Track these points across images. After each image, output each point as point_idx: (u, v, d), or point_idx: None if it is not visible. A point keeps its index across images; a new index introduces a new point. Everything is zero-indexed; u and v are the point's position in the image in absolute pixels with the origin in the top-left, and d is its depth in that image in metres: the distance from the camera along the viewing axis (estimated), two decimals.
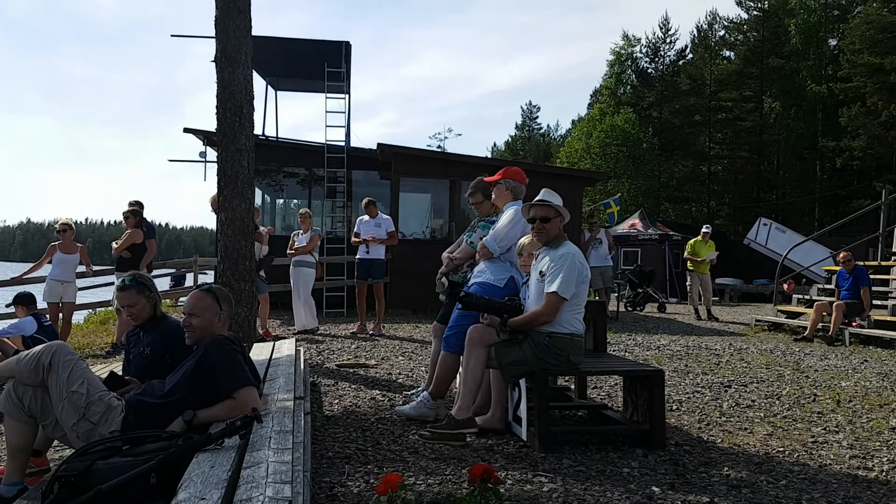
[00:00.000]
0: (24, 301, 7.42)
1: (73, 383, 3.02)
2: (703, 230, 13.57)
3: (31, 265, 9.70)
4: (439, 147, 49.11)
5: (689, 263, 13.47)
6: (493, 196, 4.88)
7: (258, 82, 13.32)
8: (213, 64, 6.23)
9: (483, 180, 5.02)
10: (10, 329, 7.04)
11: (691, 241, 13.67)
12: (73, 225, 9.01)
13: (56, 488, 2.50)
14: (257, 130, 10.26)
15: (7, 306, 7.96)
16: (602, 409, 4.70)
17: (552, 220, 4.07)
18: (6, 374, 3.18)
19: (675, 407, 5.22)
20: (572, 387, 5.30)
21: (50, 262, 8.76)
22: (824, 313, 9.86)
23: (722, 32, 43.03)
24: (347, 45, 14.93)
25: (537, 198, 4.13)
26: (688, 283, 13.97)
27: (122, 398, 3.14)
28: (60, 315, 8.73)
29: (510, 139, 66.81)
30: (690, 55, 43.89)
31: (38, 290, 8.29)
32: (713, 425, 4.73)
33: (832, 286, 11.02)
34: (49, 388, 3.05)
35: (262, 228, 9.19)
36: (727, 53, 42.43)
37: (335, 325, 10.31)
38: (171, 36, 15.04)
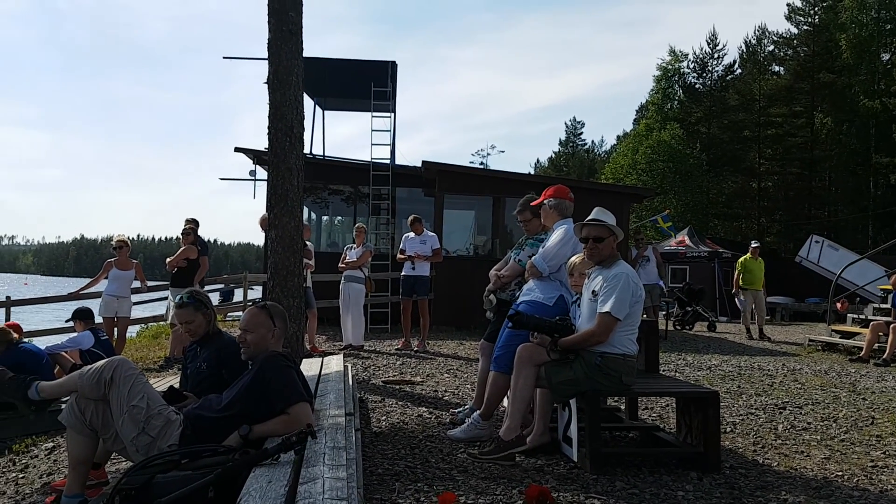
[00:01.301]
0: (83, 316, 7.64)
1: (133, 397, 3.11)
2: (752, 245, 13.30)
3: (83, 280, 10.00)
4: (482, 164, 49.09)
5: (741, 281, 13.21)
6: (542, 217, 4.87)
7: (307, 102, 13.57)
8: (265, 85, 6.37)
9: (530, 199, 5.01)
10: (68, 343, 7.25)
11: (741, 259, 13.42)
12: (128, 242, 9.27)
13: (117, 501, 2.56)
14: (305, 149, 10.44)
15: (66, 321, 8.20)
16: (654, 431, 4.61)
17: (605, 240, 4.03)
18: (69, 388, 3.28)
19: (728, 429, 5.10)
20: (622, 407, 5.22)
21: (106, 278, 9.01)
22: (881, 333, 9.54)
23: (771, 47, 42.32)
24: (393, 64, 15.13)
25: (590, 217, 4.11)
26: (739, 301, 13.66)
27: (180, 412, 3.21)
28: (115, 329, 8.97)
29: (554, 155, 66.52)
30: (739, 70, 43.23)
31: (93, 306, 8.54)
32: (768, 448, 4.61)
33: (888, 305, 10.66)
34: (110, 402, 3.14)
35: (309, 244, 9.32)
36: (777, 68, 41.69)
37: (380, 341, 10.36)
38: (224, 58, 15.44)
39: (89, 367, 3.25)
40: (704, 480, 3.77)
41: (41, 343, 7.47)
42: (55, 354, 6.84)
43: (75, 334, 7.58)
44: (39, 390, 3.29)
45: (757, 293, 13.07)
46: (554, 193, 4.74)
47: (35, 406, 3.30)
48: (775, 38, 41.62)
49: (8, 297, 10.05)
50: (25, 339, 6.15)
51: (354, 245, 9.58)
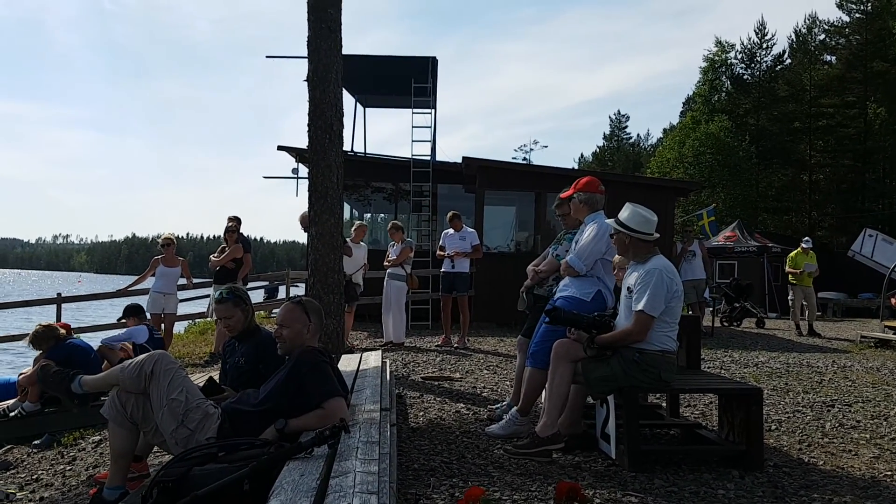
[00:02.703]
0: (134, 312, 7.85)
1: (172, 391, 3.17)
2: (803, 245, 12.93)
3: (134, 278, 10.25)
4: (524, 159, 48.79)
5: (790, 277, 12.89)
6: (571, 210, 4.80)
7: (347, 100, 13.66)
8: (306, 83, 6.43)
9: (560, 197, 4.96)
10: (123, 335, 7.46)
11: (791, 255, 13.08)
12: (174, 239, 9.48)
13: (155, 493, 2.61)
14: (346, 147, 10.51)
15: (119, 320, 8.42)
16: (695, 429, 4.52)
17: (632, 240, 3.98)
18: (111, 381, 3.36)
19: (773, 427, 4.97)
20: (663, 404, 5.13)
21: (153, 275, 9.23)
22: None
23: (822, 36, 41.16)
24: (434, 60, 15.11)
25: (618, 218, 4.03)
26: (790, 298, 13.31)
27: (218, 406, 3.26)
28: (162, 325, 9.18)
29: (598, 150, 65.77)
30: (789, 60, 42.12)
31: (141, 302, 8.75)
32: (814, 447, 4.48)
33: None
34: (150, 395, 3.21)
35: (363, 244, 9.42)
36: (828, 58, 40.48)
37: (420, 337, 10.39)
38: (267, 57, 15.64)
39: (130, 360, 3.33)
40: (746, 479, 3.68)
41: (91, 339, 7.68)
42: (104, 349, 7.04)
43: (129, 328, 7.79)
44: (82, 384, 3.38)
45: (807, 289, 12.74)
46: (584, 187, 4.65)
47: (79, 400, 3.37)
48: (826, 27, 40.50)
49: (59, 294, 10.36)
50: (75, 336, 6.33)
51: (392, 243, 9.62)
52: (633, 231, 3.94)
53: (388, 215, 16.61)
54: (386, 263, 9.57)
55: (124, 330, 7.80)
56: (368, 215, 17.79)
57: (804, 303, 12.84)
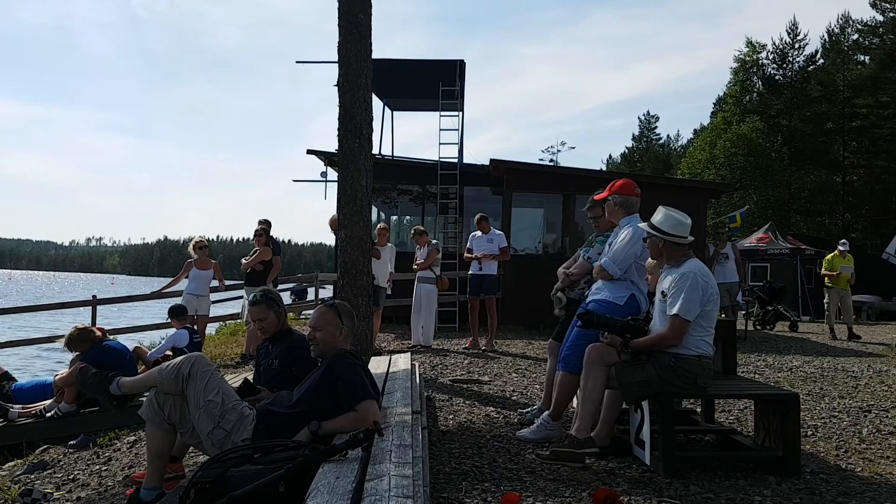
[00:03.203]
0: (178, 313, 8.01)
1: (209, 392, 3.20)
2: (840, 247, 12.67)
3: (166, 280, 10.39)
4: (552, 161, 48.57)
5: (826, 280, 12.65)
6: (606, 212, 4.76)
7: (375, 103, 13.74)
8: (336, 88, 6.47)
9: (594, 198, 4.90)
10: (166, 345, 7.62)
11: (828, 257, 12.83)
12: (206, 243, 9.61)
13: (193, 494, 2.64)
14: (374, 150, 10.57)
15: (167, 319, 8.55)
16: (731, 434, 4.45)
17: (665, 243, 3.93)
18: (149, 383, 3.41)
19: (809, 433, 4.88)
20: (698, 410, 5.07)
21: (187, 277, 9.35)
22: None
23: (855, 36, 40.35)
24: (462, 63, 15.13)
25: (651, 222, 3.99)
26: (825, 301, 13.05)
27: (253, 407, 3.29)
28: (195, 327, 9.29)
29: (626, 151, 65.15)
30: (821, 60, 41.36)
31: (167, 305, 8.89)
32: (852, 453, 4.39)
33: None
34: (187, 396, 3.24)
35: (390, 245, 9.47)
36: (862, 58, 39.70)
37: (447, 340, 10.39)
38: (297, 62, 15.77)
39: (168, 362, 3.38)
40: (783, 485, 3.61)
41: (126, 341, 7.81)
42: (139, 350, 7.18)
43: (172, 332, 7.93)
44: (120, 385, 3.43)
45: (843, 292, 12.48)
46: (620, 189, 4.59)
47: (117, 401, 3.43)
48: (860, 27, 39.71)
49: (94, 296, 10.54)
50: (110, 337, 6.44)
51: (419, 247, 9.65)
52: (667, 235, 3.90)
53: (414, 218, 16.63)
54: (415, 267, 9.59)
55: (167, 338, 7.96)
56: (395, 218, 17.84)
57: (840, 306, 12.60)
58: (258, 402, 3.38)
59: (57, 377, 6.44)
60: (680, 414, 4.82)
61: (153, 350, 7.37)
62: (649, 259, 4.30)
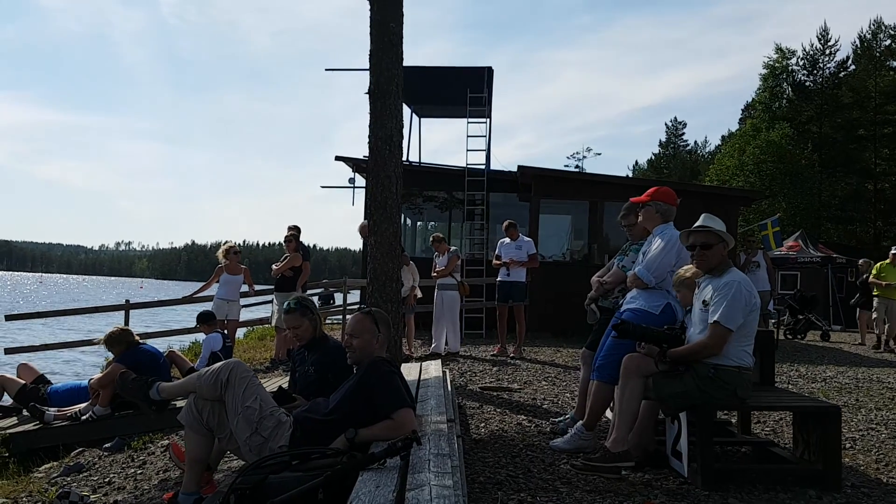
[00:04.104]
0: (206, 319, 8.11)
1: (247, 399, 3.22)
2: (893, 252, 12.29)
3: (194, 283, 10.51)
4: (577, 167, 48.34)
5: (875, 288, 12.30)
6: (640, 217, 4.69)
7: (404, 111, 13.82)
8: (366, 95, 6.50)
9: (635, 204, 4.84)
10: (204, 351, 7.76)
11: (878, 264, 12.42)
12: (238, 249, 9.70)
13: (233, 499, 2.65)
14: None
15: (196, 325, 8.67)
16: (768, 447, 4.38)
17: (714, 247, 3.84)
18: (188, 388, 3.44)
19: (848, 445, 4.78)
20: (733, 421, 4.99)
21: (217, 282, 9.44)
22: None
23: (888, 42, 39.68)
24: (490, 70, 15.14)
25: (698, 223, 3.93)
26: (873, 311, 12.57)
27: (290, 414, 3.30)
28: (225, 331, 9.38)
29: (653, 157, 64.56)
30: (852, 67, 40.73)
31: (198, 310, 8.97)
32: (892, 466, 4.30)
33: None
34: (226, 402, 3.27)
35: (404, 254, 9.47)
36: (894, 64, 39.03)
37: (475, 347, 10.36)
38: (326, 70, 15.89)
39: (207, 368, 3.40)
40: (824, 499, 3.55)
41: (157, 344, 7.90)
42: (173, 354, 7.27)
43: (205, 337, 8.05)
44: (160, 390, 3.47)
45: (890, 301, 12.04)
46: (662, 197, 4.53)
47: (156, 406, 3.46)
48: (892, 32, 39.12)
49: (127, 301, 10.67)
50: (142, 342, 6.52)
51: (438, 254, 9.64)
52: (724, 234, 3.85)
53: (440, 224, 16.65)
54: (434, 274, 9.59)
55: (203, 344, 8.09)
56: (420, 223, 17.87)
57: (886, 316, 12.07)
58: (294, 409, 3.40)
59: (92, 380, 6.52)
60: (716, 425, 4.75)
61: (199, 364, 7.50)
62: (680, 272, 4.19)
